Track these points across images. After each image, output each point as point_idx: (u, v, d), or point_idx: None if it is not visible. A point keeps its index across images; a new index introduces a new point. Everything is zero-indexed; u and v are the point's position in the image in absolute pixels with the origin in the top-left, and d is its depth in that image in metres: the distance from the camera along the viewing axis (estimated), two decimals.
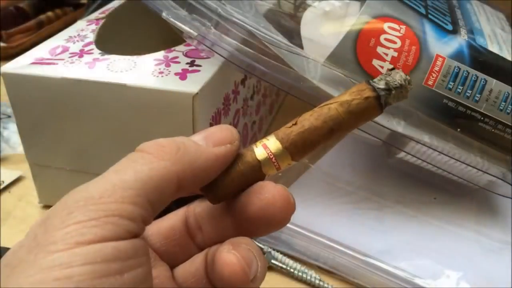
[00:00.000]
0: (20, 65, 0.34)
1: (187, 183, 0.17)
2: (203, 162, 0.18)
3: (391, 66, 0.19)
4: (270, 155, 0.19)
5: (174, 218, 0.21)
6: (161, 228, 0.21)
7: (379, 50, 0.32)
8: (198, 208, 0.21)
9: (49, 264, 0.14)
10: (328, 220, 0.37)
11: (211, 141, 0.18)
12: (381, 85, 0.18)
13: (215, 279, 0.19)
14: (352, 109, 0.18)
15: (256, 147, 0.19)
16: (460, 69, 0.32)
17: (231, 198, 0.19)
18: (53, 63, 0.34)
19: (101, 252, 0.14)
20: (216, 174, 0.19)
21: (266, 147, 0.19)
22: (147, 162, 0.16)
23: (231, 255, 0.18)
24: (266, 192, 0.19)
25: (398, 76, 0.18)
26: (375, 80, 0.19)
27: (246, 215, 0.19)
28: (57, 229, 0.15)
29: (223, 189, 0.19)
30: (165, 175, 0.16)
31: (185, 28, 0.31)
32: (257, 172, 0.19)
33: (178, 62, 0.34)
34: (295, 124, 0.19)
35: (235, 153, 0.19)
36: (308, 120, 0.19)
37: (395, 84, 0.18)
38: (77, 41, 0.37)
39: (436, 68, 0.32)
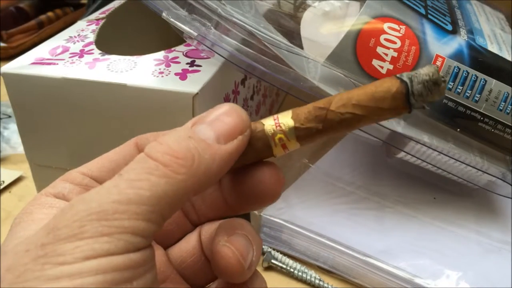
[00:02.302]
0: (20, 65, 0.34)
1: (203, 187, 0.17)
2: (218, 164, 0.17)
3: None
4: (285, 148, 0.18)
5: None
6: None
7: (379, 50, 0.32)
8: None
9: (57, 274, 0.13)
10: (328, 220, 0.37)
11: (222, 136, 0.17)
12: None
13: (213, 268, 0.19)
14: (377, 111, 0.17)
15: (275, 139, 0.18)
16: (459, 69, 0.32)
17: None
18: (53, 63, 0.34)
19: (112, 263, 0.14)
20: (228, 169, 0.18)
21: (283, 145, 0.18)
22: (163, 175, 0.16)
23: (226, 249, 0.18)
24: (257, 170, 0.19)
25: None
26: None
27: (237, 191, 0.19)
28: (67, 241, 0.14)
29: None
30: (181, 190, 0.16)
31: (185, 28, 0.31)
32: (266, 154, 0.19)
33: (178, 62, 0.34)
34: (320, 130, 0.17)
35: (246, 143, 0.18)
36: (335, 128, 0.17)
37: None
38: (77, 41, 0.38)
39: None
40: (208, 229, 0.21)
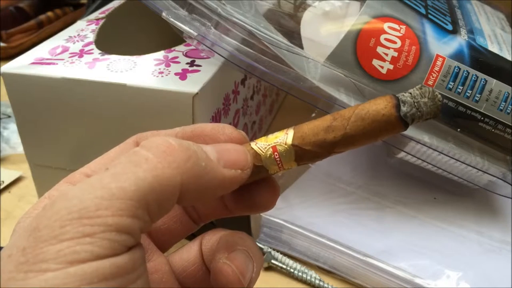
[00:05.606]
0: (20, 65, 0.34)
1: (189, 197, 0.16)
2: (209, 180, 0.16)
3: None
4: (282, 170, 0.19)
5: None
6: None
7: (379, 50, 0.32)
8: None
9: (41, 284, 0.13)
10: (328, 220, 0.37)
11: (223, 160, 0.17)
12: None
13: (213, 283, 0.19)
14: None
15: (273, 169, 0.19)
16: (460, 69, 0.32)
17: None
18: (53, 63, 0.34)
19: (98, 271, 0.13)
20: (218, 195, 0.18)
21: (281, 166, 0.19)
22: (151, 168, 0.15)
23: (226, 267, 0.18)
24: (254, 183, 0.19)
25: None
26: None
27: (235, 199, 0.20)
28: (49, 244, 0.13)
29: None
30: (168, 186, 0.15)
31: (185, 28, 0.31)
32: (263, 176, 0.19)
33: (178, 62, 0.34)
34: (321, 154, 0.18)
35: (243, 181, 0.18)
36: (333, 150, 0.18)
37: None
38: (77, 41, 0.37)
39: (436, 68, 0.32)
40: (209, 239, 0.21)
